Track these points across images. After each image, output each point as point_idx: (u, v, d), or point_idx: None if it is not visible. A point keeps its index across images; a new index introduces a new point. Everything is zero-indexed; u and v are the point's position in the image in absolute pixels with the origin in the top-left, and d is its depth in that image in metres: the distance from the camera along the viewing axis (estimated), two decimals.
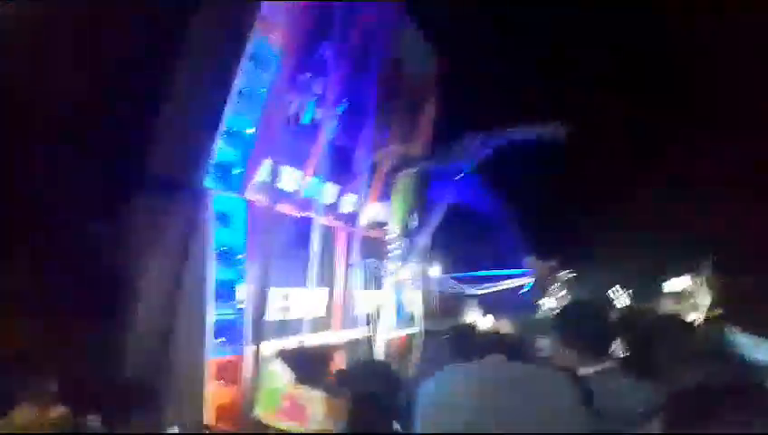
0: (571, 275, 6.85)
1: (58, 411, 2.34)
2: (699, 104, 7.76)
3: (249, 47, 3.51)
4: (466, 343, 3.72)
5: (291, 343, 4.21)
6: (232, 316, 3.66)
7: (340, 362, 4.68)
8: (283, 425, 1.86)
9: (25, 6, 3.05)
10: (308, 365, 2.07)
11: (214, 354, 3.47)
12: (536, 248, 5.80)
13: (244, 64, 3.52)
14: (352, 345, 4.92)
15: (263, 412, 1.93)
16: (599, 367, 2.53)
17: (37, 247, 3.14)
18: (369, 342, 5.26)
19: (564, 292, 7.51)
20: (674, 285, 7.18)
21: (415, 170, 6.13)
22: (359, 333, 5.10)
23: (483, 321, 6.13)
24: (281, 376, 1.98)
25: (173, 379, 3.39)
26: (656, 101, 8.21)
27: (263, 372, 3.36)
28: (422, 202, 6.35)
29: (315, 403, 1.87)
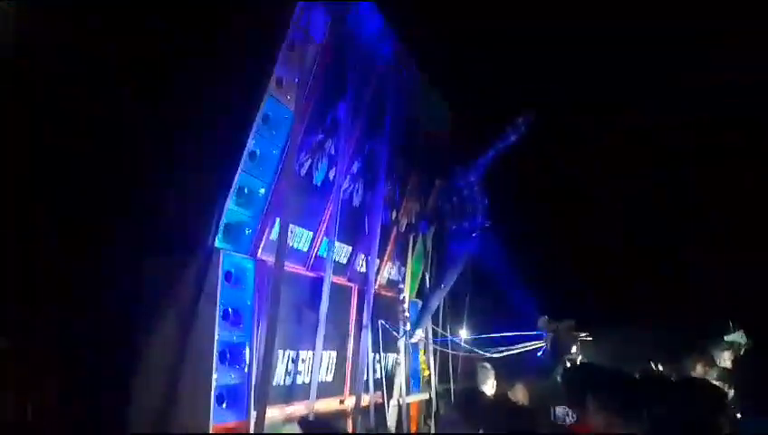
0: (588, 338, 6.62)
1: None
2: None
3: (262, 108, 3.53)
4: (473, 410, 3.60)
5: (300, 408, 4.08)
6: (237, 380, 3.56)
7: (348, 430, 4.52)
8: None
9: None
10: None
11: (217, 420, 3.35)
12: (553, 309, 5.64)
13: (257, 125, 3.53)
14: (362, 412, 4.74)
15: None
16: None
17: (41, 303, 3.09)
18: (381, 408, 5.07)
19: (581, 355, 7.25)
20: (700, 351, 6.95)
21: (429, 230, 6.09)
22: (370, 398, 4.92)
23: (496, 385, 5.92)
24: None
25: None
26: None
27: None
28: (436, 262, 6.27)
29: None
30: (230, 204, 3.50)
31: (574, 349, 6.84)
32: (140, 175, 3.27)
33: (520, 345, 5.79)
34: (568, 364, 6.06)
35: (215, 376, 3.34)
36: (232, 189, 3.48)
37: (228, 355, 3.48)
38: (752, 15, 5.98)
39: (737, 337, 6.53)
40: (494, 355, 5.75)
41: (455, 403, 4.52)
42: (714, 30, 6.26)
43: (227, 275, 3.52)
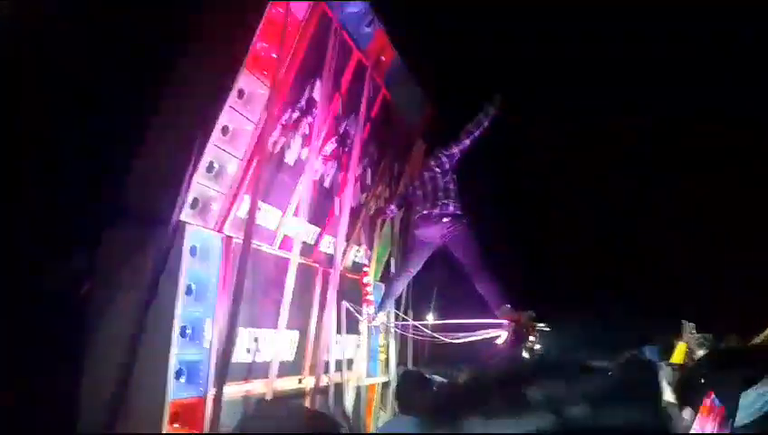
0: (546, 328, 6.76)
1: None
2: None
3: (237, 81, 3.46)
4: (415, 392, 3.74)
5: (259, 386, 4.07)
6: (197, 356, 3.53)
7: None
8: None
9: None
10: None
11: (174, 395, 3.32)
12: (515, 299, 5.71)
13: (231, 99, 3.46)
14: (320, 392, 4.76)
15: None
16: None
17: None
18: (339, 389, 5.10)
19: (539, 345, 7.40)
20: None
21: (398, 215, 6.09)
22: (329, 378, 4.94)
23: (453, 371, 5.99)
24: None
25: (129, 418, 3.24)
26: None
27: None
28: (403, 247, 6.29)
29: None
30: (199, 178, 3.44)
31: (533, 338, 6.99)
32: (108, 143, 3.18)
33: (479, 332, 5.85)
34: (526, 354, 6.19)
35: (174, 351, 3.30)
36: (202, 163, 3.42)
37: (189, 331, 3.45)
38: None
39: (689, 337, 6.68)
40: (454, 341, 5.81)
41: (397, 386, 4.57)
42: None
43: (192, 250, 3.48)
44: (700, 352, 5.20)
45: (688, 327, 6.41)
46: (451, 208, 5.15)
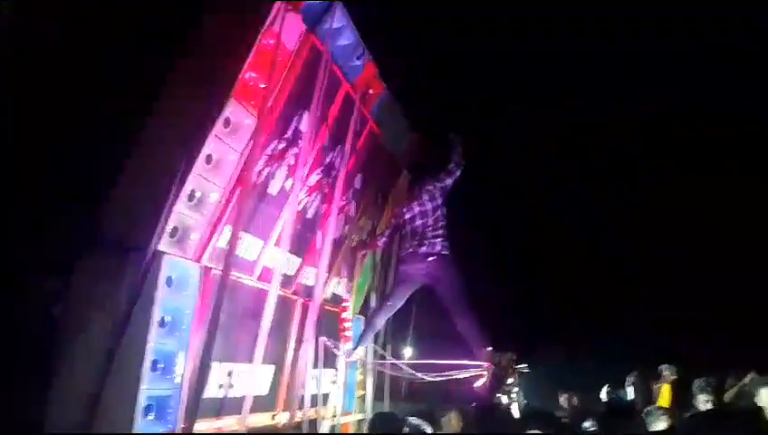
0: (525, 369, 6.69)
1: None
2: None
3: (224, 111, 3.41)
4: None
5: (231, 423, 3.93)
6: (168, 391, 3.39)
7: None
8: None
9: None
10: None
11: (142, 433, 3.18)
12: (496, 340, 5.65)
13: (217, 128, 3.40)
14: (294, 428, 4.61)
15: None
16: None
17: None
18: (313, 425, 4.96)
19: (518, 387, 7.32)
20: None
21: (380, 248, 6.03)
22: (303, 414, 4.80)
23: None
24: None
25: None
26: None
27: None
28: (384, 280, 6.21)
29: None
30: (179, 206, 3.35)
31: (511, 380, 6.92)
32: (88, 168, 3.09)
33: (457, 372, 5.76)
34: (504, 398, 6.09)
35: (143, 386, 3.17)
36: (183, 191, 3.33)
37: (161, 365, 3.32)
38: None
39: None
40: (432, 379, 5.72)
41: (369, 429, 4.48)
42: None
43: (168, 281, 3.36)
44: (702, 397, 4.97)
45: (670, 370, 6.35)
46: (438, 247, 5.09)
